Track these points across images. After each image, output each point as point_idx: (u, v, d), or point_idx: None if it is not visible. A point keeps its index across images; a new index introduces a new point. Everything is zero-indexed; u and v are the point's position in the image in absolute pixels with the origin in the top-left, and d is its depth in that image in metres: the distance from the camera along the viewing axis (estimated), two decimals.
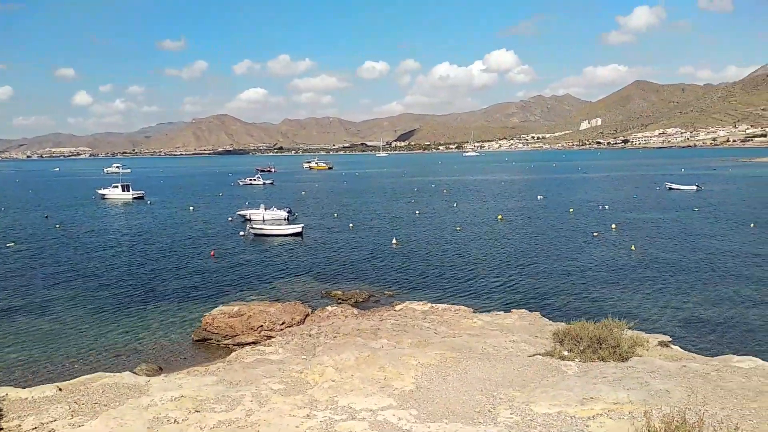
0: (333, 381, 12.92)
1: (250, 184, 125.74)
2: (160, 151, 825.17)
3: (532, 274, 34.09)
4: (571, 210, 64.73)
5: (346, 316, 22.38)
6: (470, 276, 34.12)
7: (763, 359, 13.32)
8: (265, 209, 60.80)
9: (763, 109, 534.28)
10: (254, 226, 52.63)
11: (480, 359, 13.91)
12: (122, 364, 20.42)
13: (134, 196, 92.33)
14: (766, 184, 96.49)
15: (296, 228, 51.73)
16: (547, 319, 21.09)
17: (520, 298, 28.82)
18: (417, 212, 65.88)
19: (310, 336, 19.07)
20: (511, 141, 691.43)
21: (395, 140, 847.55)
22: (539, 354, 14.34)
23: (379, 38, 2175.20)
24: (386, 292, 30.52)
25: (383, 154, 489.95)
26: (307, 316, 24.16)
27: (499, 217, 59.90)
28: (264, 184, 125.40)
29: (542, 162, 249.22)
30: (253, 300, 28.06)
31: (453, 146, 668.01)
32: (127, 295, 31.14)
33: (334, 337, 18.06)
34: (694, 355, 14.97)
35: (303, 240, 48.70)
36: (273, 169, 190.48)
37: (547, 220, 57.96)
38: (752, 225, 50.01)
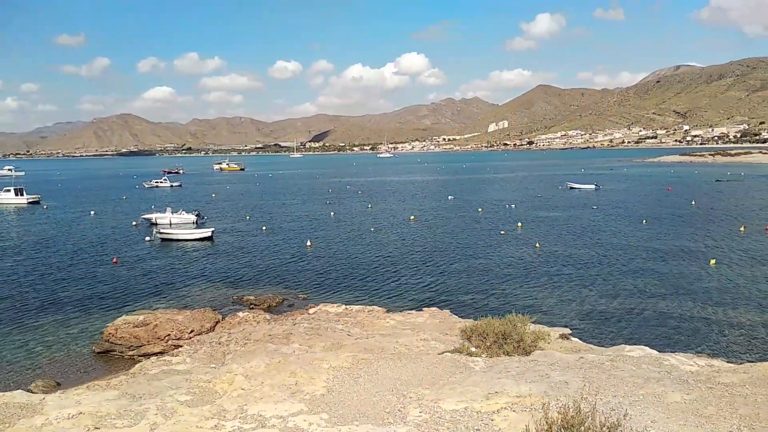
0: (242, 389, 12.65)
1: (157, 186, 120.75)
2: (58, 152, 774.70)
3: (443, 273, 34.92)
4: (480, 209, 66.89)
5: (258, 322, 21.97)
6: (384, 276, 34.47)
7: (651, 348, 14.34)
8: (173, 213, 58.53)
9: (653, 113, 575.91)
10: (161, 230, 50.54)
11: (391, 359, 14.08)
12: (14, 382, 19.02)
13: (29, 200, 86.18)
14: (657, 183, 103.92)
15: (206, 232, 50.19)
16: (456, 317, 21.65)
17: (432, 296, 29.45)
18: (332, 213, 65.77)
19: (219, 344, 18.55)
20: (424, 142, 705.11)
21: (309, 141, 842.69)
22: (448, 351, 14.71)
23: (291, 38, 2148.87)
24: (300, 296, 30.26)
25: (297, 155, 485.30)
26: (217, 323, 23.51)
27: (412, 217, 60.92)
28: (171, 186, 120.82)
29: (453, 163, 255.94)
30: (160, 308, 26.97)
31: (368, 147, 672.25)
32: (22, 307, 29.01)
33: (245, 343, 17.68)
34: (592, 346, 15.87)
35: (213, 244, 47.34)
36: (181, 171, 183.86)
37: (457, 219, 59.57)
38: (644, 221, 53.70)
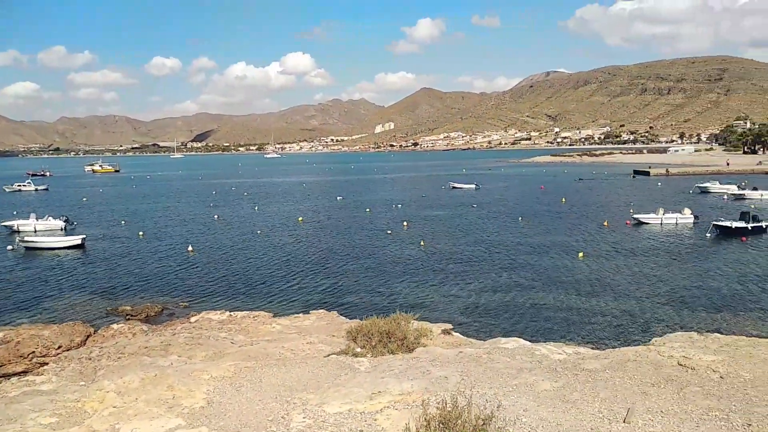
0: (115, 407, 11.81)
1: (20, 190, 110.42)
2: None
3: (331, 274, 34.87)
4: (368, 210, 67.66)
5: (134, 334, 20.69)
6: (271, 280, 33.82)
7: (525, 339, 15.16)
8: (37, 219, 53.86)
9: (527, 116, 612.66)
10: (24, 238, 46.28)
11: (276, 365, 13.79)
12: None
13: None
14: (531, 182, 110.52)
15: (76, 239, 46.56)
16: (344, 318, 21.69)
17: (320, 298, 29.30)
18: (216, 216, 63.55)
19: (90, 359, 17.26)
20: (312, 143, 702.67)
21: (191, 141, 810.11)
22: (334, 353, 14.67)
23: (168, 33, 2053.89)
24: (181, 304, 28.90)
25: (178, 155, 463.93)
26: (88, 336, 21.84)
27: (300, 219, 60.38)
28: (36, 190, 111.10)
29: (341, 163, 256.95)
30: (23, 323, 24.62)
31: (254, 147, 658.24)
32: None
33: (118, 357, 16.58)
34: (471, 340, 16.49)
35: (85, 252, 44.06)
36: (48, 173, 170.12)
37: (346, 220, 59.82)
38: (520, 219, 56.88)
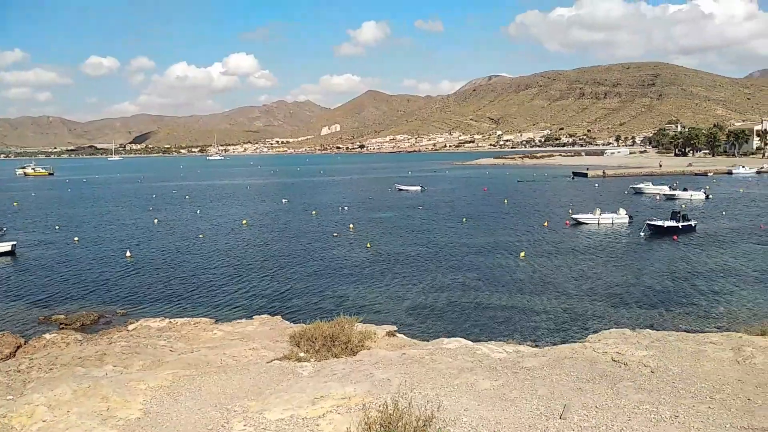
0: (44, 421, 11.27)
1: None
2: None
3: (276, 278, 34.44)
4: (314, 212, 67.23)
5: (68, 344, 19.83)
6: (213, 285, 33.09)
7: (467, 339, 15.37)
8: None
9: (471, 119, 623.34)
10: None
11: (216, 373, 13.49)
12: None
13: None
14: (475, 184, 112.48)
15: (6, 246, 44.27)
16: (288, 322, 21.45)
17: (264, 303, 28.88)
18: (156, 221, 61.73)
19: (19, 371, 16.40)
20: (256, 145, 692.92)
21: (130, 143, 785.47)
22: (277, 359, 14.47)
23: (105, 32, 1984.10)
24: (119, 311, 27.89)
25: (116, 157, 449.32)
26: (18, 348, 20.82)
27: (244, 222, 59.42)
28: None
29: (287, 165, 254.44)
30: None
31: (196, 149, 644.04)
32: None
33: (50, 369, 15.84)
34: (415, 341, 16.60)
35: (16, 259, 41.99)
36: None
37: (291, 223, 59.24)
38: (464, 220, 57.75)
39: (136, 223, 60.74)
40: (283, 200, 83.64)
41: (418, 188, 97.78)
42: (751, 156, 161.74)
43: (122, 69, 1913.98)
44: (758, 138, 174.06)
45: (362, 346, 14.24)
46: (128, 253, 42.13)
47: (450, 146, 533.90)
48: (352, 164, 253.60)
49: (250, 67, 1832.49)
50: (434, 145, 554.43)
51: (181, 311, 27.03)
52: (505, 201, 74.97)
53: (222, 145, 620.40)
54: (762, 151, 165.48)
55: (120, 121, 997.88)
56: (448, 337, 16.00)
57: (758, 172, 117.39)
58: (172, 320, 22.24)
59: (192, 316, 24.24)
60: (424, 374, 10.89)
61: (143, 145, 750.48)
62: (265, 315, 22.89)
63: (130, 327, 21.81)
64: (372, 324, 18.50)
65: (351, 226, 54.57)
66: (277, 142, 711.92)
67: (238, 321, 22.16)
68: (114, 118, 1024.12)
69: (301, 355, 14.16)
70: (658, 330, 14.70)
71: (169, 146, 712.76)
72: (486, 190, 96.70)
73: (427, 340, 16.97)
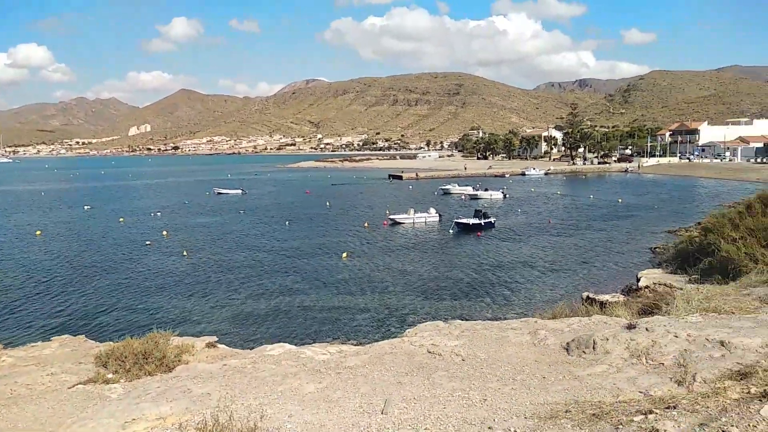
0: None
1: None
2: None
3: (77, 293, 31.14)
4: (122, 219, 62.16)
5: None
6: (0, 306, 28.96)
7: (291, 343, 15.24)
8: None
9: (291, 122, 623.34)
10: None
11: (6, 405, 11.77)
12: None
13: None
14: (297, 187, 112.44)
15: None
16: (94, 342, 19.40)
17: (65, 322, 25.95)
18: None
19: None
20: (53, 146, 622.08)
21: None
22: (81, 383, 13.03)
23: None
24: None
25: None
26: None
27: (38, 233, 52.91)
28: None
29: (89, 169, 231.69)
30: None
31: None
32: None
33: None
34: (237, 350, 16.03)
35: None
36: None
37: (95, 231, 54.09)
38: (287, 223, 57.45)
39: None
40: (86, 207, 75.97)
41: (239, 191, 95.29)
42: (540, 159, 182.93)
43: None
44: (545, 143, 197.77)
45: (179, 360, 13.38)
46: None
47: (271, 149, 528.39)
48: (166, 167, 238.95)
49: (42, 60, 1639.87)
50: (255, 147, 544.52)
51: None
52: (328, 203, 76.03)
53: (9, 147, 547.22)
54: (549, 155, 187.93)
55: None
56: (272, 343, 15.71)
57: (546, 173, 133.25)
58: None
59: None
60: (246, 384, 10.56)
61: None
62: (66, 335, 20.46)
63: None
64: (190, 336, 17.51)
65: (165, 232, 51.34)
66: (78, 143, 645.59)
67: (33, 344, 19.54)
68: None
69: (110, 376, 12.90)
70: (467, 320, 15.87)
71: None
72: (309, 192, 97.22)
73: (250, 348, 16.51)
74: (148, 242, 46.78)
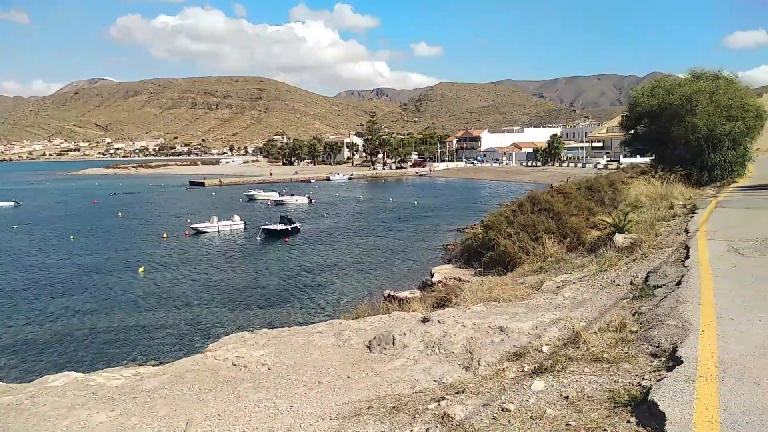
0: None
1: None
2: None
3: None
4: None
5: None
6: None
7: (78, 371, 13.78)
8: None
9: (74, 125, 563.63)
10: None
11: None
12: None
13: None
14: (83, 197, 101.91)
15: None
16: None
17: None
18: None
19: None
20: None
21: None
22: None
23: None
24: None
25: None
26: None
27: None
28: None
29: None
30: None
31: None
32: None
33: None
34: (13, 385, 14.05)
35: None
36: None
37: None
38: (72, 237, 51.78)
39: None
40: None
41: (11, 203, 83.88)
42: (343, 164, 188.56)
43: None
44: (348, 149, 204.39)
45: None
46: None
47: (50, 155, 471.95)
48: None
49: None
50: (30, 153, 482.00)
51: None
52: (120, 213, 70.10)
53: None
54: (351, 160, 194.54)
55: None
56: (56, 373, 14.06)
57: (350, 178, 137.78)
58: None
59: None
60: (23, 422, 9.32)
61: None
62: None
63: None
64: None
65: None
66: None
67: None
68: None
69: None
70: (274, 328, 15.77)
71: None
72: (96, 202, 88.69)
73: (29, 381, 14.60)
74: None
